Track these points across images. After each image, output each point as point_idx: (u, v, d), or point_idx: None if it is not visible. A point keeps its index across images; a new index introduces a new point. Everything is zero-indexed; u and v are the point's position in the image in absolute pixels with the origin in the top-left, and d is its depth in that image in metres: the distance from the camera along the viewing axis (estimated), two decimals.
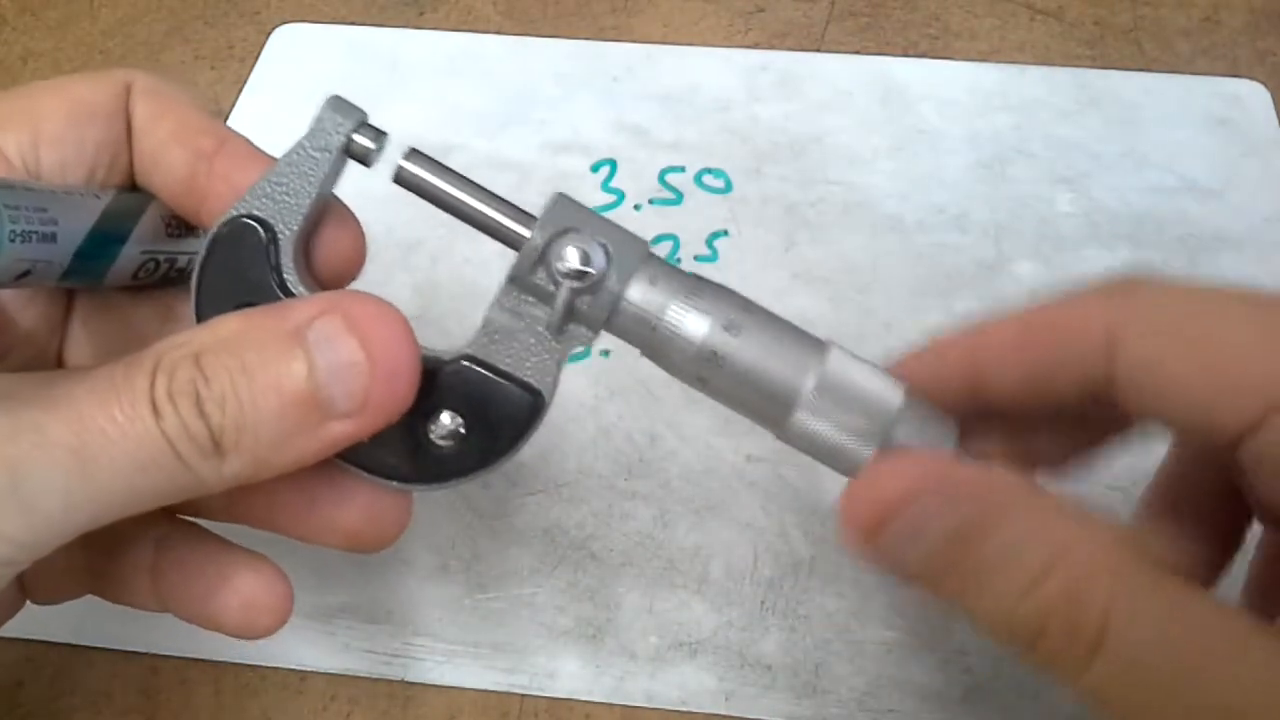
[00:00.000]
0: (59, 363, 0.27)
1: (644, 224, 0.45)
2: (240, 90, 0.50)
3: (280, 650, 0.35)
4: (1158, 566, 0.20)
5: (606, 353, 0.40)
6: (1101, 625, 0.19)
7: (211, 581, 0.25)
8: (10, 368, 0.25)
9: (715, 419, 0.39)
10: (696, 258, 0.44)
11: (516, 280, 0.24)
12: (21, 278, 0.22)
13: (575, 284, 0.23)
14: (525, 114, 0.48)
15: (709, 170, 0.46)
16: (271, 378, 0.21)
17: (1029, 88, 0.49)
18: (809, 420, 0.24)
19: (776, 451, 0.38)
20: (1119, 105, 0.48)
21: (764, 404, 0.24)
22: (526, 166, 0.47)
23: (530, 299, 0.24)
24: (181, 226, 0.26)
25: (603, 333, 0.24)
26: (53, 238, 0.22)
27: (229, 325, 0.21)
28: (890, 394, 0.24)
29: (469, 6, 0.53)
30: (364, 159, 0.24)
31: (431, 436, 0.24)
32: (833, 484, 0.37)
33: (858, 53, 0.51)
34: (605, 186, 0.46)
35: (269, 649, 0.35)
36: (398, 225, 0.45)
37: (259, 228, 0.23)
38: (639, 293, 0.24)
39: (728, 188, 0.46)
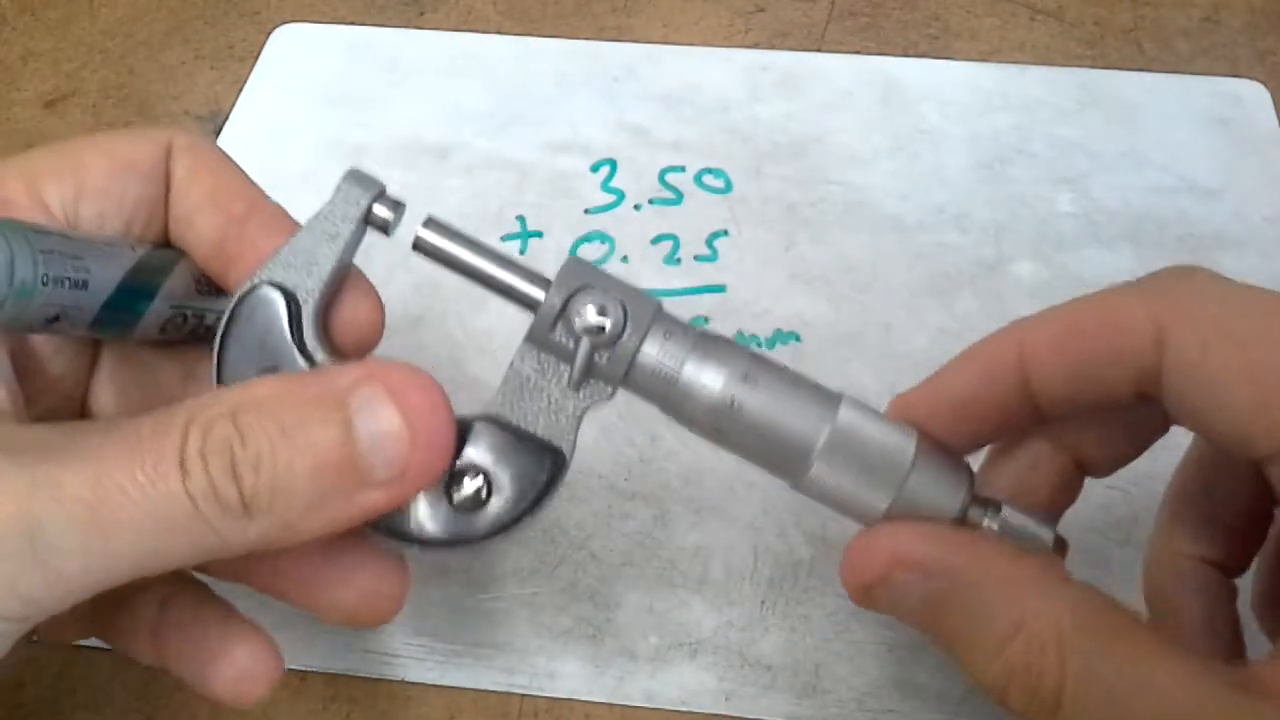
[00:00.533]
0: (83, 410, 0.28)
1: (644, 224, 0.45)
2: (240, 90, 0.50)
3: (281, 651, 0.35)
4: (1121, 628, 0.22)
5: None
6: (1057, 689, 0.21)
7: (210, 650, 0.26)
8: (37, 413, 0.25)
9: None
10: (696, 258, 0.44)
11: (535, 339, 0.25)
12: (51, 322, 0.22)
13: (594, 338, 0.24)
14: (525, 114, 0.48)
15: (709, 170, 0.46)
16: (311, 441, 0.21)
17: (1029, 88, 0.49)
18: (824, 474, 0.24)
19: None
20: (1119, 105, 0.48)
21: (779, 457, 0.25)
22: (526, 166, 0.47)
23: (549, 357, 0.25)
24: (211, 285, 0.27)
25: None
26: (84, 285, 0.23)
27: (267, 387, 0.22)
28: (902, 446, 0.25)
29: (469, 6, 0.53)
30: (383, 228, 0.25)
31: (454, 499, 0.24)
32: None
33: (858, 53, 0.51)
34: (605, 186, 0.46)
35: None
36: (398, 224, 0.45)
37: (280, 295, 0.24)
38: (655, 347, 0.24)
39: (728, 188, 0.46)
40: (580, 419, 0.25)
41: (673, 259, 0.44)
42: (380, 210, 0.25)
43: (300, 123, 0.48)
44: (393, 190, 0.25)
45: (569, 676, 0.34)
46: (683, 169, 0.46)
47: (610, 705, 0.34)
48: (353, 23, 0.53)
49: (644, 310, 0.24)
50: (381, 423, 0.21)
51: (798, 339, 0.41)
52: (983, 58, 0.50)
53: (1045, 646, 0.21)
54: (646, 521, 0.37)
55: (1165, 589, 0.29)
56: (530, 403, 0.25)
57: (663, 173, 0.46)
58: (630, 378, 0.25)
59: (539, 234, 0.44)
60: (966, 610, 0.23)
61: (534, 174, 0.46)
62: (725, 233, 0.44)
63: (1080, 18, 0.52)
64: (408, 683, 0.34)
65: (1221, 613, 0.28)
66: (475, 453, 0.24)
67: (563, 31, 0.52)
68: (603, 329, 0.24)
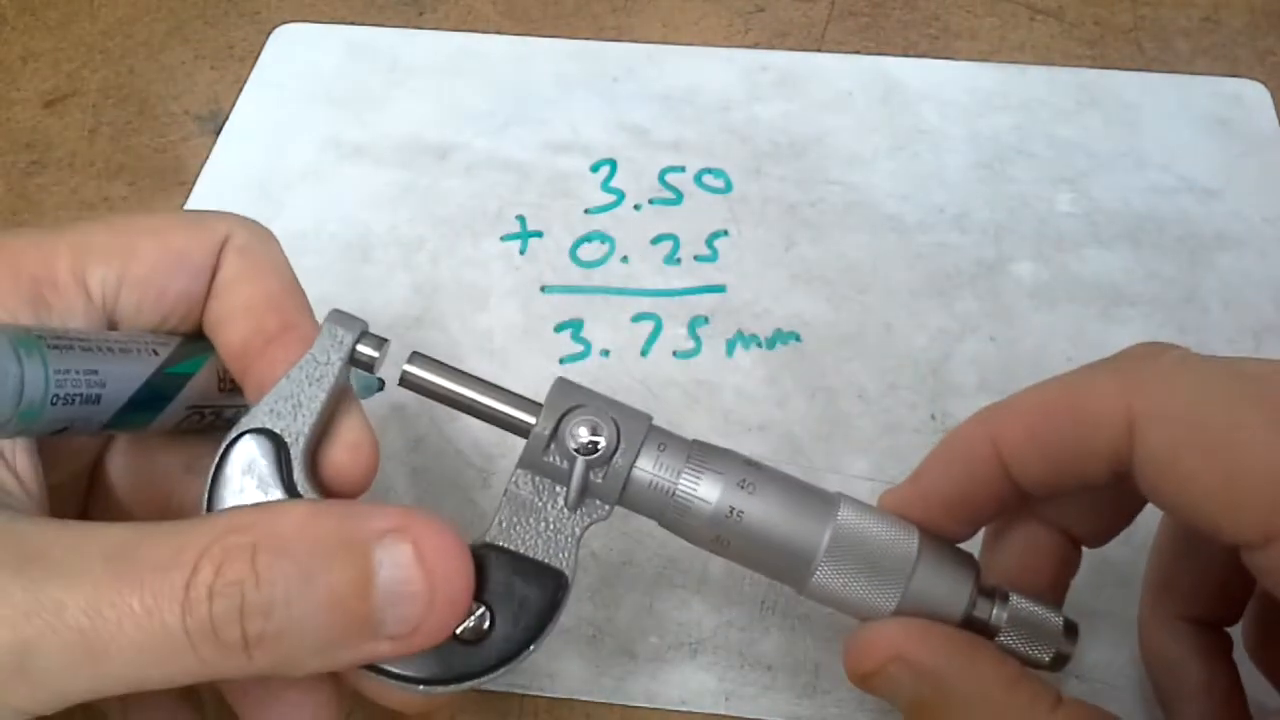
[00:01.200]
0: (96, 473, 0.28)
1: (644, 224, 0.45)
2: (240, 90, 0.50)
3: None
4: None
5: (606, 353, 0.41)
6: None
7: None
8: (56, 478, 0.25)
9: (715, 419, 0.39)
10: (696, 258, 0.44)
11: (529, 464, 0.25)
12: (59, 432, 0.22)
13: (588, 457, 0.24)
14: (525, 114, 0.48)
15: (709, 170, 0.46)
16: (330, 591, 0.20)
17: (1029, 88, 0.49)
18: (829, 577, 0.25)
19: (777, 451, 0.38)
20: (1119, 105, 0.48)
21: (783, 563, 0.25)
22: (526, 166, 0.47)
23: (544, 480, 0.25)
24: (233, 382, 0.27)
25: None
26: (96, 399, 0.23)
27: (293, 516, 0.21)
28: (905, 543, 0.25)
29: (469, 6, 0.53)
30: (369, 366, 0.25)
31: (458, 631, 0.24)
32: (833, 483, 0.37)
33: (858, 53, 0.51)
34: (605, 186, 0.46)
35: None
36: (399, 224, 0.45)
37: (269, 440, 0.24)
38: (650, 462, 0.25)
39: (728, 188, 0.46)
40: (579, 539, 0.25)
41: (673, 259, 0.44)
42: (365, 348, 0.25)
43: (300, 123, 0.48)
44: (376, 329, 0.26)
45: (569, 676, 0.34)
46: (683, 169, 0.46)
47: (610, 705, 0.34)
48: (353, 23, 0.53)
49: (636, 426, 0.25)
50: (404, 581, 0.21)
51: (798, 339, 0.41)
52: (983, 58, 0.50)
53: None
54: (646, 521, 0.37)
55: (1160, 651, 0.29)
56: (529, 526, 0.25)
57: (663, 173, 0.46)
58: (626, 494, 0.25)
59: (539, 234, 0.44)
60: (949, 714, 0.24)
61: (534, 174, 0.46)
62: (725, 233, 0.44)
63: (1080, 18, 0.52)
64: None
65: (1219, 668, 0.28)
66: (478, 584, 0.24)
67: (563, 31, 0.52)
68: (596, 446, 0.24)
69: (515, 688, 0.34)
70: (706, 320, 0.42)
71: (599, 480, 0.25)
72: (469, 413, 0.25)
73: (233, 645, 0.20)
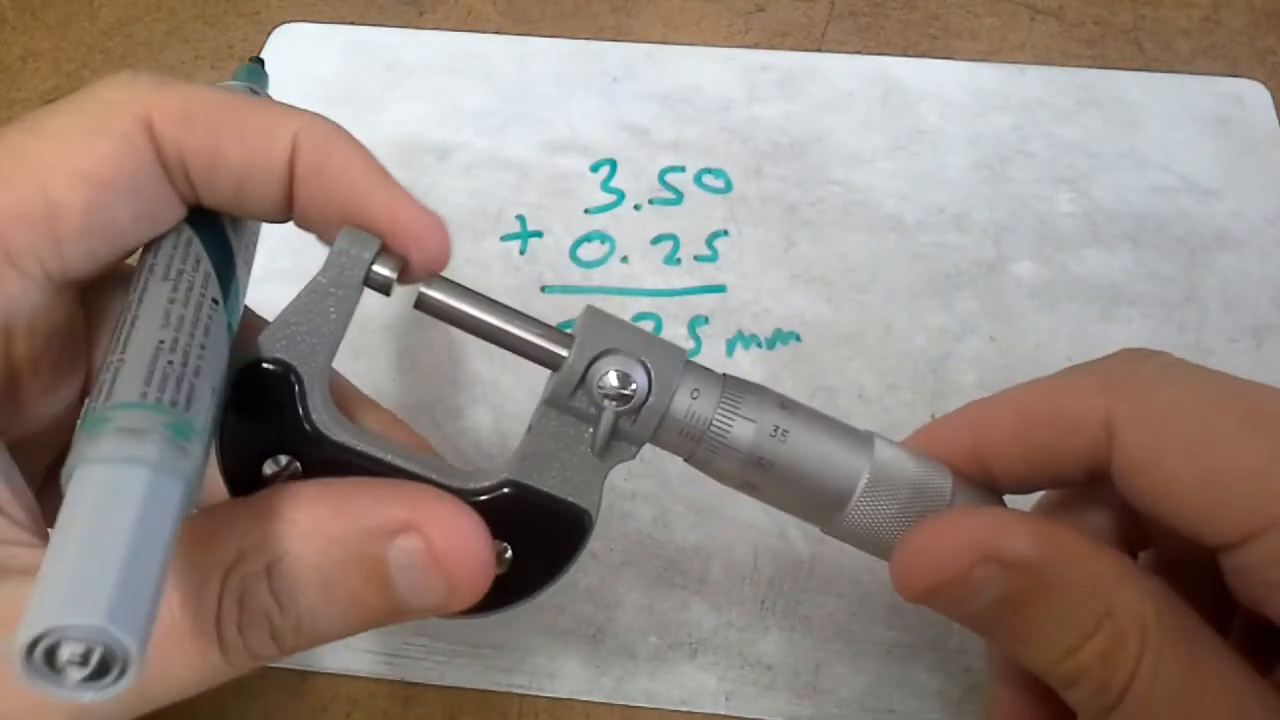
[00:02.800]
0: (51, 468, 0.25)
1: (644, 224, 0.45)
2: None
3: None
4: (1192, 628, 0.21)
5: None
6: (1125, 685, 0.21)
7: None
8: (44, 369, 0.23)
9: None
10: (696, 258, 0.44)
11: (554, 403, 0.23)
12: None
13: (618, 406, 0.23)
14: (525, 114, 0.48)
15: (709, 170, 0.46)
16: (350, 598, 0.21)
17: (1029, 88, 0.49)
18: (862, 515, 0.24)
19: None
20: (1119, 105, 0.48)
21: (814, 502, 0.24)
22: (526, 166, 0.47)
23: (570, 419, 0.24)
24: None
25: None
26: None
27: (299, 525, 0.20)
28: (939, 482, 0.24)
29: (469, 6, 0.53)
30: (384, 289, 0.23)
31: None
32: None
33: (858, 53, 0.51)
34: (605, 186, 0.46)
35: None
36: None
37: (281, 371, 0.22)
38: (683, 406, 0.23)
39: (728, 188, 0.46)
40: (605, 477, 0.24)
41: (673, 259, 0.44)
42: (381, 269, 0.23)
43: None
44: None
45: (569, 676, 0.34)
46: (683, 169, 0.46)
47: (610, 705, 0.34)
48: (353, 23, 0.53)
49: (670, 367, 0.23)
50: (422, 580, 0.21)
51: (798, 339, 0.41)
52: (983, 58, 0.50)
53: (1127, 639, 0.21)
54: (646, 521, 0.37)
55: None
56: (552, 463, 0.24)
57: (663, 173, 0.46)
58: (656, 437, 0.24)
59: (539, 234, 0.44)
60: (1049, 605, 0.22)
61: (534, 174, 0.46)
62: (725, 233, 0.44)
63: (1080, 18, 0.52)
64: (408, 683, 0.34)
65: None
66: (498, 518, 0.23)
67: (562, 31, 0.52)
68: (628, 397, 0.23)
69: (515, 688, 0.34)
70: (706, 320, 0.42)
71: (628, 427, 0.23)
72: (490, 340, 0.23)
73: (269, 657, 0.21)
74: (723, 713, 0.33)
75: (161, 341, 0.20)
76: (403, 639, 0.35)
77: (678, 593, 0.36)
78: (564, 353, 0.23)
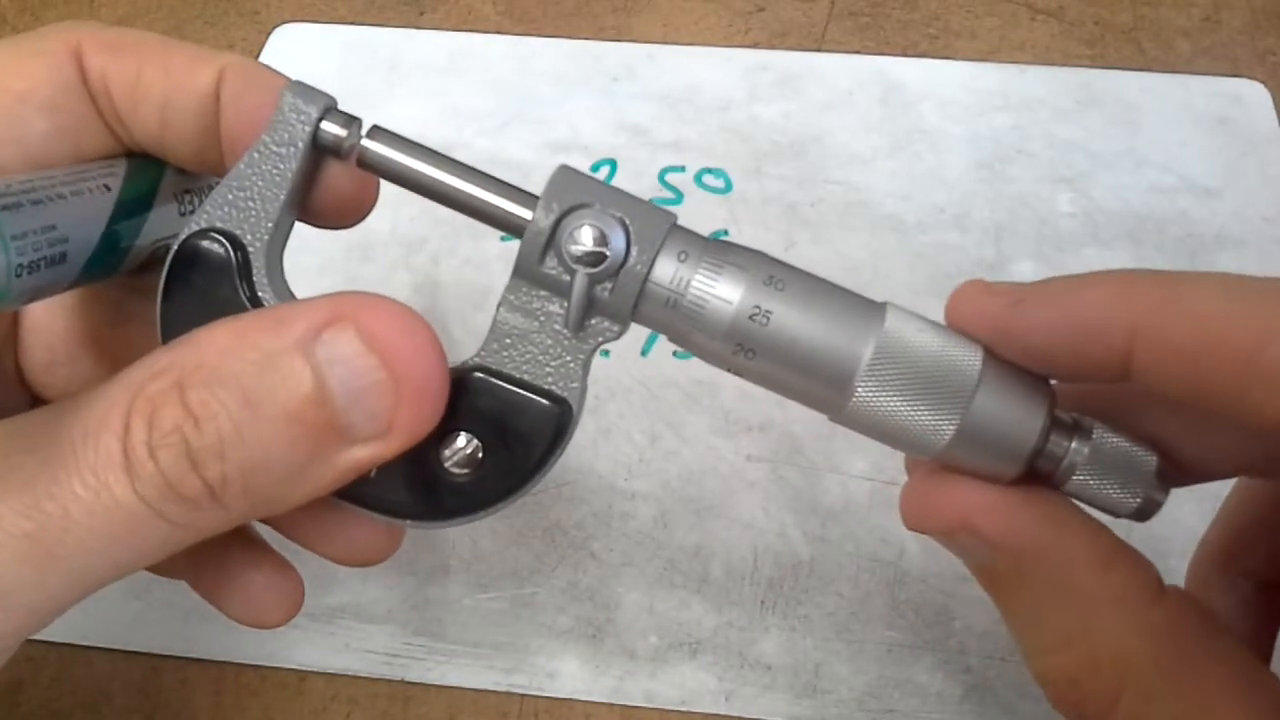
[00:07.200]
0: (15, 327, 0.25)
1: None
2: None
3: (280, 650, 0.35)
4: (1201, 665, 0.19)
5: (606, 353, 0.40)
6: (1110, 704, 0.19)
7: (228, 574, 0.24)
8: None
9: (715, 419, 0.39)
10: None
11: (523, 273, 0.21)
12: (29, 299, 0.20)
13: (592, 270, 0.20)
14: (525, 114, 0.48)
15: (709, 170, 0.46)
16: (280, 408, 0.18)
17: (1029, 88, 0.49)
18: (872, 396, 0.20)
19: (776, 451, 0.38)
20: (1119, 105, 0.48)
21: (816, 378, 0.20)
22: (527, 166, 0.47)
23: (542, 293, 0.21)
24: (194, 201, 0.24)
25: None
26: (62, 258, 0.20)
27: (215, 341, 0.18)
28: (966, 358, 0.20)
29: (469, 6, 0.53)
30: (335, 149, 0.21)
31: (445, 464, 0.21)
32: (833, 484, 0.38)
33: (858, 53, 0.51)
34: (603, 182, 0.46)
35: (269, 649, 0.35)
36: (400, 223, 0.45)
37: (224, 242, 0.21)
38: (668, 272, 0.20)
39: (728, 188, 0.46)
40: (588, 360, 0.21)
41: None
42: (331, 127, 0.21)
43: None
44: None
45: (569, 676, 0.34)
46: (683, 169, 0.46)
47: (610, 705, 0.34)
48: (353, 23, 0.53)
49: (652, 228, 0.20)
50: (360, 374, 0.18)
51: None
52: (983, 58, 0.50)
53: (1101, 669, 0.19)
54: (646, 521, 0.37)
55: (1208, 599, 0.27)
56: (526, 347, 0.21)
57: (663, 173, 0.46)
58: (640, 311, 0.21)
59: None
60: (1028, 597, 0.20)
61: (534, 174, 0.46)
62: (725, 233, 0.44)
63: (1080, 18, 0.52)
64: (408, 683, 0.34)
65: (1266, 628, 0.26)
66: (466, 409, 0.21)
67: (562, 31, 0.52)
68: (601, 257, 0.20)
69: (515, 688, 0.34)
70: None
71: (605, 295, 0.20)
72: (449, 203, 0.21)
73: (198, 497, 0.18)
74: (723, 713, 0.33)
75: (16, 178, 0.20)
76: (402, 639, 0.35)
77: (678, 593, 0.36)
78: (528, 214, 0.20)
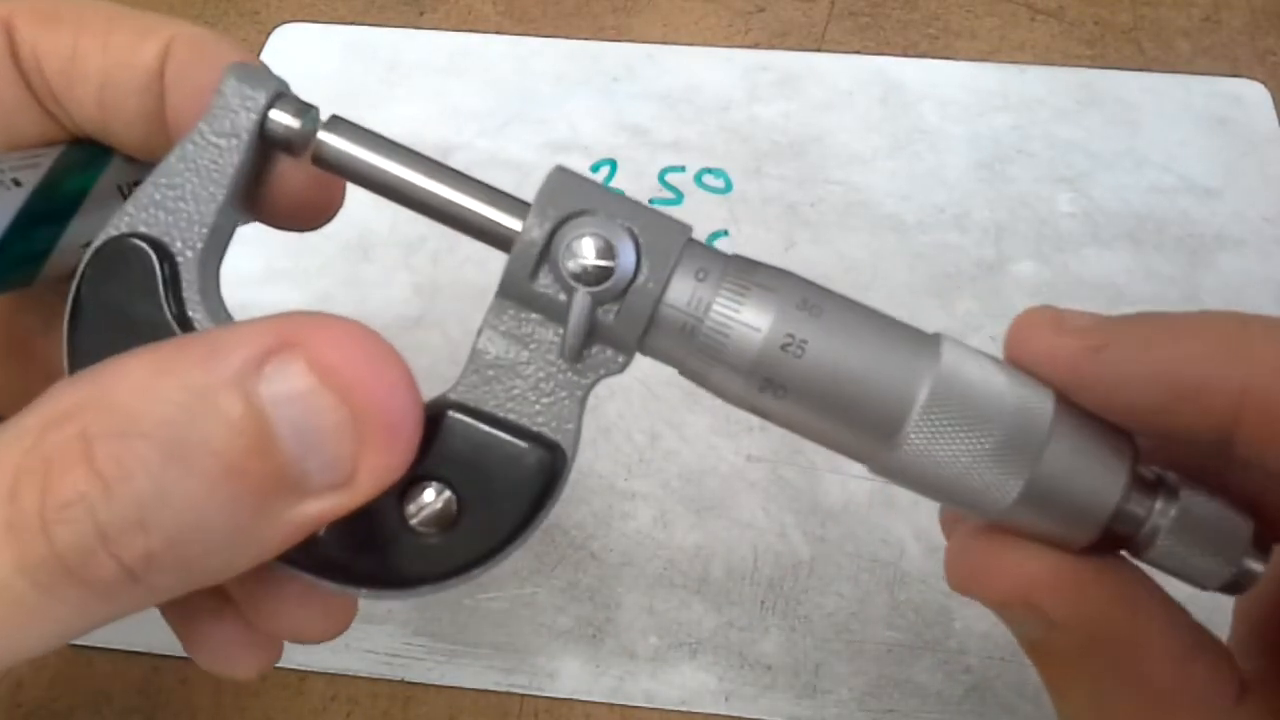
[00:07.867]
0: None
1: None
2: None
3: None
4: None
5: None
6: None
7: (199, 621, 0.21)
8: None
9: (716, 418, 0.39)
10: None
11: (511, 291, 0.17)
12: None
13: (594, 289, 0.17)
14: (525, 114, 0.48)
15: (709, 170, 0.46)
16: (214, 460, 0.14)
17: (1029, 88, 0.49)
18: (924, 447, 0.17)
19: (776, 451, 0.38)
20: (1119, 105, 0.48)
21: (858, 425, 0.18)
22: (527, 166, 0.47)
23: (534, 316, 0.18)
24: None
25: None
26: None
27: (131, 375, 0.14)
28: (1035, 402, 0.17)
29: (469, 6, 0.53)
30: (286, 143, 0.18)
31: (410, 521, 0.17)
32: (833, 484, 0.38)
33: (858, 53, 0.51)
34: (605, 186, 0.46)
35: None
36: (399, 223, 0.45)
37: (148, 249, 0.17)
38: (684, 292, 0.17)
39: (728, 188, 0.46)
40: (584, 398, 0.18)
41: None
42: (281, 117, 0.17)
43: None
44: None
45: (569, 676, 0.34)
46: (683, 169, 0.46)
47: (610, 705, 0.34)
48: (353, 23, 0.53)
49: (665, 240, 0.17)
50: (312, 412, 0.14)
51: None
52: (983, 58, 0.50)
53: None
54: (646, 521, 0.37)
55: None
56: (512, 380, 0.18)
57: (663, 173, 0.46)
58: (650, 340, 0.17)
59: None
60: (1087, 683, 0.18)
61: (534, 174, 0.46)
62: (725, 233, 0.44)
63: (1080, 18, 0.52)
64: (408, 683, 0.34)
65: None
66: (437, 455, 0.17)
67: (562, 31, 0.52)
68: (606, 274, 0.17)
69: (515, 688, 0.34)
70: None
71: (610, 320, 0.17)
72: (416, 207, 0.18)
73: (112, 580, 0.14)
74: (723, 713, 0.33)
75: None
76: (403, 639, 0.35)
77: (678, 593, 0.36)
78: (518, 223, 0.17)
